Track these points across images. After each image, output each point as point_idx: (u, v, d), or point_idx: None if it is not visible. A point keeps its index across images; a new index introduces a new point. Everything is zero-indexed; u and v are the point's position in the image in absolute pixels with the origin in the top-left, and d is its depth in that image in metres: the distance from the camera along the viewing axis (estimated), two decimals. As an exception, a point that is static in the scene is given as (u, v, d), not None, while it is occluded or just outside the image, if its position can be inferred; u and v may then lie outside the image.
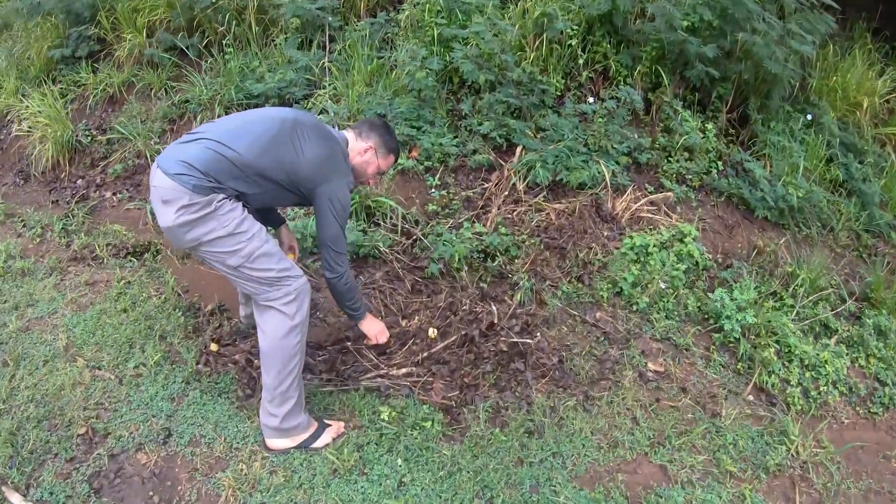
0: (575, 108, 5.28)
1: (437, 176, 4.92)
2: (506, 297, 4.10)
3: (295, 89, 5.67)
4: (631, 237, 4.52)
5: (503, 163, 4.97)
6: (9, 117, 6.79)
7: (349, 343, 3.82)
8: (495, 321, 3.82)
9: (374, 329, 3.45)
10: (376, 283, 4.23)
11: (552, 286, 4.26)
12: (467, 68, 4.96)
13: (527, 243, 4.44)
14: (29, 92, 6.63)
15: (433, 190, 4.84)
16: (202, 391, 3.60)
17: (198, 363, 3.79)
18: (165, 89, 6.24)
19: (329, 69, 5.63)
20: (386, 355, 3.71)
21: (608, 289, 4.32)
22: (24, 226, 5.47)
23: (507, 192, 4.74)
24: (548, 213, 4.66)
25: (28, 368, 3.84)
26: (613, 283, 4.35)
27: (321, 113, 5.41)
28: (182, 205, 2.64)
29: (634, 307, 4.29)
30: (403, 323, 3.89)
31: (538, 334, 3.85)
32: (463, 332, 3.76)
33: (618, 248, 4.49)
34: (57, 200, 5.92)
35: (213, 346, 3.90)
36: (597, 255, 4.48)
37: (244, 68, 5.95)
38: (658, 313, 4.30)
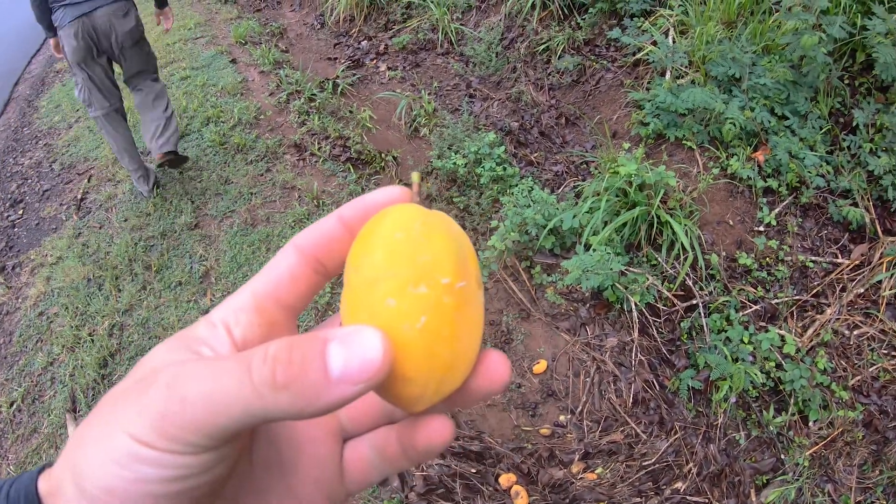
0: None
1: (777, 210, 3.30)
2: (757, 494, 2.58)
3: (633, -1, 4.27)
4: None
5: (880, 233, 3.16)
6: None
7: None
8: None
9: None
10: (602, 353, 2.98)
11: (832, 502, 2.60)
12: (884, 55, 3.11)
13: (842, 401, 2.76)
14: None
15: (761, 230, 3.26)
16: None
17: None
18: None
19: (687, -14, 4.10)
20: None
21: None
22: (278, 85, 5.03)
23: (860, 290, 3.01)
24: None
25: (162, 283, 3.48)
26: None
27: (653, 44, 3.98)
28: (133, 12, 3.70)
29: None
30: (575, 467, 2.61)
31: None
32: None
33: None
34: (335, 58, 5.41)
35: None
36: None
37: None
38: None
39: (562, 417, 2.83)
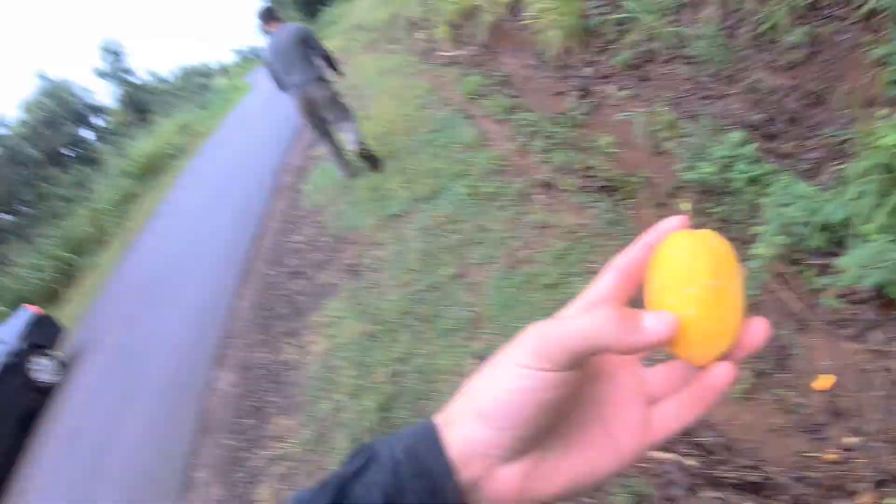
0: None
1: None
2: None
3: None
4: None
5: None
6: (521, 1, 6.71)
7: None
8: None
9: None
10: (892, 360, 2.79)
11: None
12: None
13: None
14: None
15: None
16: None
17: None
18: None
19: None
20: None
21: None
22: (518, 130, 5.39)
23: None
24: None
25: (434, 332, 3.92)
26: None
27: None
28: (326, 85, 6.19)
29: None
30: (867, 497, 2.48)
31: None
32: None
33: None
34: (563, 92, 5.66)
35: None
36: None
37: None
38: None
39: (849, 440, 2.59)
